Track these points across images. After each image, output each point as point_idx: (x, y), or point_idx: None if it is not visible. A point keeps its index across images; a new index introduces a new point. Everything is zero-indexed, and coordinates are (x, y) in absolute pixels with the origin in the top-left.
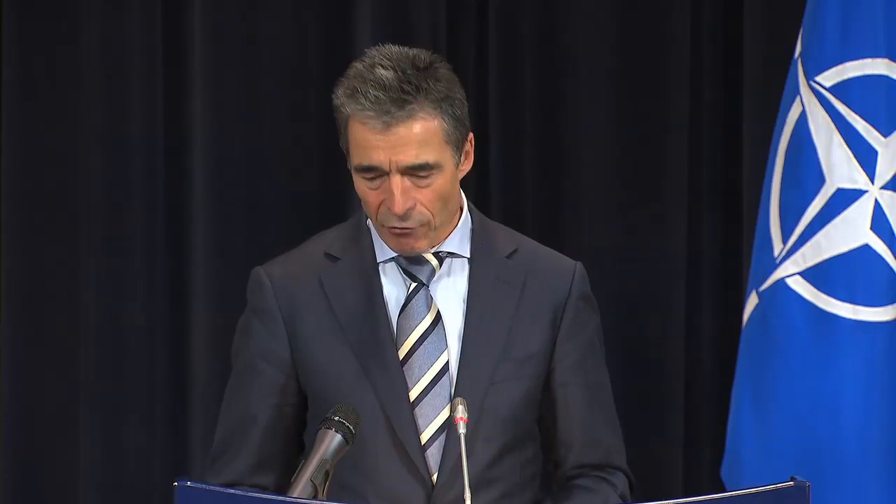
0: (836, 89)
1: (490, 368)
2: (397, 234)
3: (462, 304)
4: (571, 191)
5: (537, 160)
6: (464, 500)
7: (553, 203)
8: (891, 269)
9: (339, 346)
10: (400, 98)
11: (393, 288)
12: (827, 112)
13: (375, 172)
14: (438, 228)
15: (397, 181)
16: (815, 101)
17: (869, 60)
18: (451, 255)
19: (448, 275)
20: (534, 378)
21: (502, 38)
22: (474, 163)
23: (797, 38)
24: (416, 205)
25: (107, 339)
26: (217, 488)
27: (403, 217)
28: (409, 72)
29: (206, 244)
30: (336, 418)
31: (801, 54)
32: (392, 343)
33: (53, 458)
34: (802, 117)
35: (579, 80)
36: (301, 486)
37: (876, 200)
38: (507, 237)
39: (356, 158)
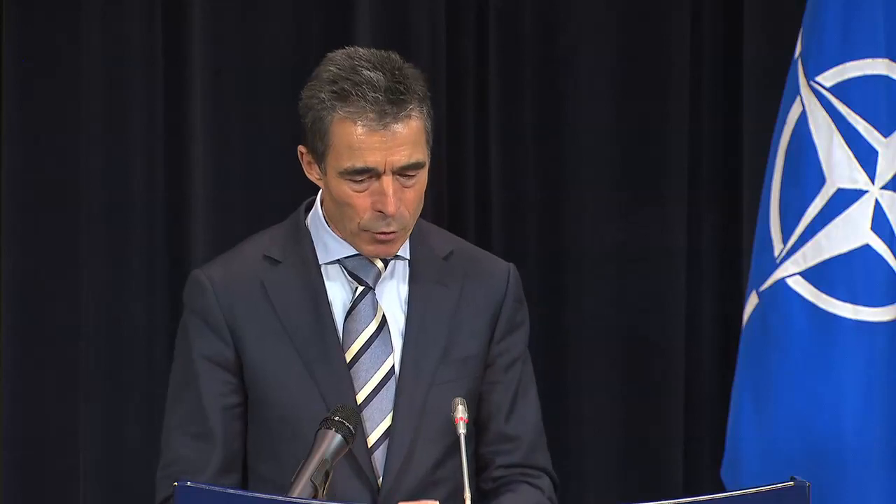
0: (837, 89)
1: (431, 370)
2: (380, 240)
3: (404, 306)
4: (572, 190)
5: (537, 160)
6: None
7: (553, 203)
8: (891, 269)
9: (283, 349)
10: (398, 98)
11: (338, 290)
12: (827, 112)
13: (368, 174)
14: (410, 230)
15: (389, 181)
16: (815, 101)
17: (869, 60)
18: (396, 257)
19: (391, 277)
20: (473, 379)
21: (502, 38)
22: (474, 162)
23: (797, 38)
24: (401, 206)
25: (107, 339)
26: (217, 488)
27: (391, 220)
28: (395, 72)
29: (206, 244)
30: (336, 418)
31: (801, 54)
32: (338, 346)
33: (53, 458)
34: (803, 117)
35: (579, 79)
36: (301, 486)
37: (876, 200)
38: (442, 239)
39: (347, 161)
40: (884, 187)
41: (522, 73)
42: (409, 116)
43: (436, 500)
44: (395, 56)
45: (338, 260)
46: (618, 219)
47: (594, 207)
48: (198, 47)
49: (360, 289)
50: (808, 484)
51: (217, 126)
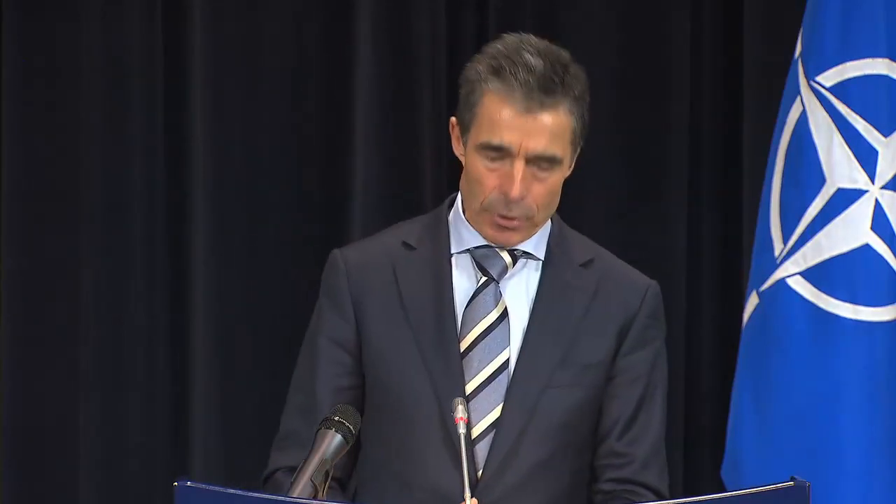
0: (837, 89)
1: (548, 371)
2: (499, 225)
3: (529, 304)
4: (571, 190)
5: None
6: (507, 499)
7: None
8: (891, 268)
9: (401, 332)
10: (548, 87)
11: (463, 279)
12: (827, 112)
13: (502, 153)
14: (536, 226)
15: (520, 166)
16: (815, 101)
17: (869, 60)
18: (526, 255)
19: (520, 274)
20: (592, 388)
21: None
22: None
23: (797, 38)
24: (527, 196)
25: (107, 339)
26: (217, 488)
27: (514, 205)
28: (556, 65)
29: (206, 244)
30: (336, 418)
31: (801, 54)
32: (455, 334)
33: (53, 459)
34: (803, 117)
35: None
36: (301, 486)
37: (876, 200)
38: (584, 246)
39: (485, 135)
40: (884, 187)
41: None
42: (556, 109)
43: (532, 502)
44: (565, 53)
45: (468, 249)
46: (618, 219)
47: (594, 207)
48: (198, 47)
49: (484, 279)
50: (808, 484)
51: (217, 126)
